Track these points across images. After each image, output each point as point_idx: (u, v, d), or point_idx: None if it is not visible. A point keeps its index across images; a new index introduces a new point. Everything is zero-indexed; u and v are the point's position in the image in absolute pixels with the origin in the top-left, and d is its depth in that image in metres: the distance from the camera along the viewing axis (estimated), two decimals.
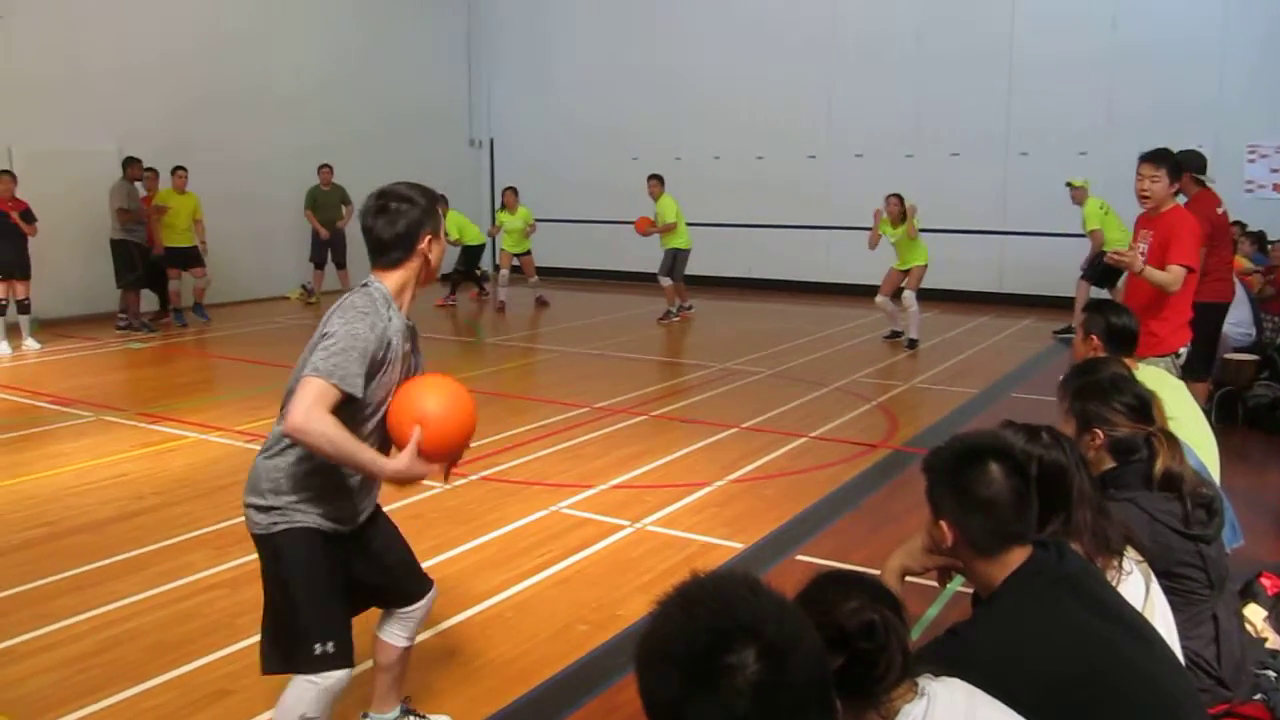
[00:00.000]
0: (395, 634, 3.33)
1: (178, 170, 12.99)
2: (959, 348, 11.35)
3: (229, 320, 13.39)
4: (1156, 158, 5.38)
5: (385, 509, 3.31)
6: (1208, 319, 6.69)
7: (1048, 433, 2.58)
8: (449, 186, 15.94)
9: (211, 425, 7.84)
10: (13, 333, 11.34)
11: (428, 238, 2.98)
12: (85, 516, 5.81)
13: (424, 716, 3.57)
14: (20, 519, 5.81)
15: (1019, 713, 1.83)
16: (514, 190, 14.88)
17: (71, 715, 3.70)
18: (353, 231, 14.75)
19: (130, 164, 12.51)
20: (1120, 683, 1.97)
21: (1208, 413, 5.68)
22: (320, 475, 2.91)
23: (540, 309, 14.76)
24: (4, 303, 11.25)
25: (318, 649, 2.87)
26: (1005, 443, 2.25)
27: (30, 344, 11.37)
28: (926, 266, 11.32)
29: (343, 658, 2.92)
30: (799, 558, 5.09)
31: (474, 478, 6.47)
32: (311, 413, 2.66)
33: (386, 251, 2.96)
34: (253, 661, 4.09)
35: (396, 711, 3.48)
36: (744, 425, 7.80)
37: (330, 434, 2.67)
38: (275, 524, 2.91)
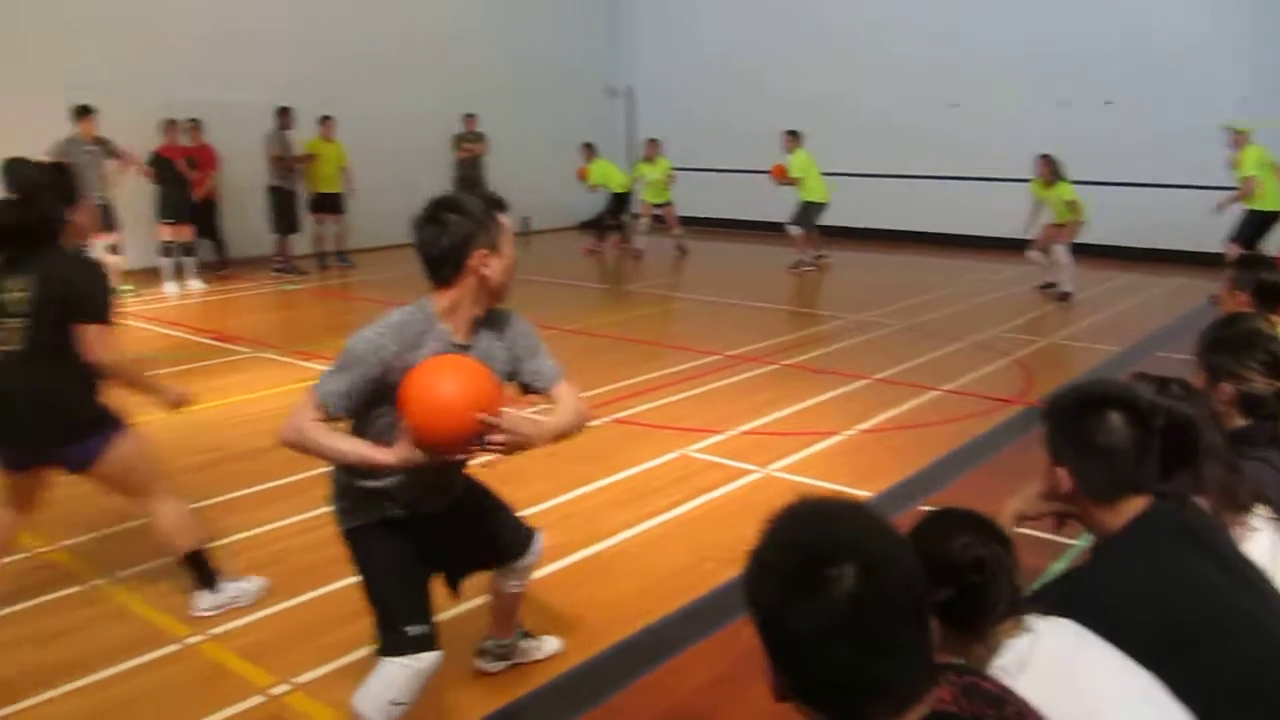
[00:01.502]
0: (509, 584, 3.45)
1: (325, 119, 13.48)
2: (1104, 304, 10.99)
3: (375, 265, 13.88)
4: None
5: None
6: None
7: (1178, 385, 2.56)
8: (588, 136, 16.16)
9: None
10: (179, 274, 12.03)
11: (482, 253, 2.72)
12: (244, 445, 6.22)
13: (536, 638, 3.77)
14: (190, 444, 6.24)
15: (1130, 655, 1.86)
16: (655, 141, 14.98)
17: (233, 623, 4.04)
18: (493, 175, 15.13)
19: (281, 113, 13.06)
20: (1232, 631, 1.97)
21: None
22: (377, 474, 2.85)
23: (680, 258, 14.85)
24: (171, 245, 11.95)
25: (411, 630, 2.87)
26: (1126, 391, 2.25)
27: (194, 284, 12.05)
28: (1082, 222, 11.09)
29: (434, 640, 2.92)
30: (924, 509, 5.10)
31: (607, 420, 6.65)
32: (297, 424, 2.71)
33: (435, 269, 2.76)
34: None
35: (516, 637, 3.68)
36: (875, 377, 7.78)
37: (313, 443, 2.71)
38: (348, 522, 2.96)
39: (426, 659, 2.88)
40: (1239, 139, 10.91)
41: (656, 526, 5.01)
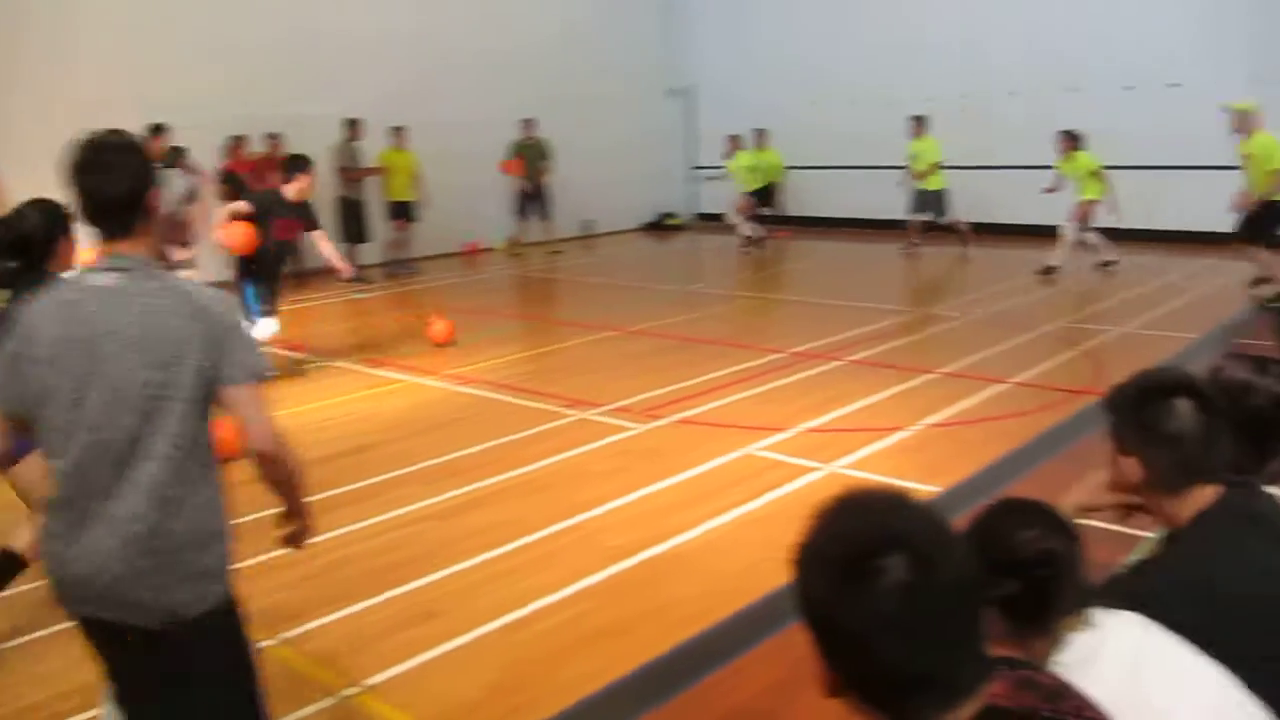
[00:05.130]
0: None
1: (398, 130, 13.63)
2: (1179, 291, 10.71)
3: (440, 271, 14.02)
4: None
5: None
6: None
7: (1278, 366, 2.46)
8: (648, 136, 16.17)
9: (424, 370, 8.30)
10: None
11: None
12: (318, 450, 6.23)
13: None
14: None
15: (1199, 649, 1.80)
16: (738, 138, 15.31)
17: (306, 625, 4.11)
18: (555, 179, 15.20)
19: (350, 125, 13.23)
20: None
21: None
22: None
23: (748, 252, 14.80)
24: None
25: None
26: (1192, 378, 2.18)
27: None
28: (1095, 201, 11.67)
29: None
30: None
31: (672, 419, 6.61)
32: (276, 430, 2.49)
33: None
34: (456, 587, 4.42)
35: None
36: (942, 370, 7.66)
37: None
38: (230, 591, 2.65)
39: None
40: (1242, 120, 10.18)
41: (719, 527, 4.98)
